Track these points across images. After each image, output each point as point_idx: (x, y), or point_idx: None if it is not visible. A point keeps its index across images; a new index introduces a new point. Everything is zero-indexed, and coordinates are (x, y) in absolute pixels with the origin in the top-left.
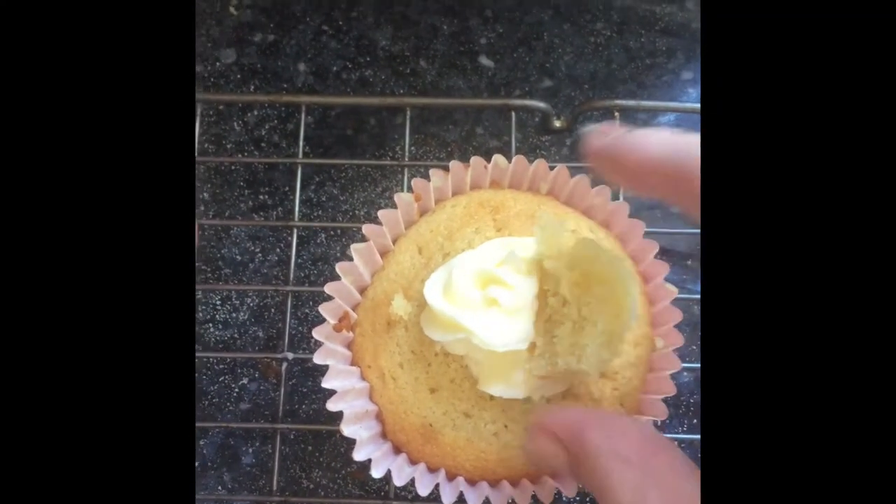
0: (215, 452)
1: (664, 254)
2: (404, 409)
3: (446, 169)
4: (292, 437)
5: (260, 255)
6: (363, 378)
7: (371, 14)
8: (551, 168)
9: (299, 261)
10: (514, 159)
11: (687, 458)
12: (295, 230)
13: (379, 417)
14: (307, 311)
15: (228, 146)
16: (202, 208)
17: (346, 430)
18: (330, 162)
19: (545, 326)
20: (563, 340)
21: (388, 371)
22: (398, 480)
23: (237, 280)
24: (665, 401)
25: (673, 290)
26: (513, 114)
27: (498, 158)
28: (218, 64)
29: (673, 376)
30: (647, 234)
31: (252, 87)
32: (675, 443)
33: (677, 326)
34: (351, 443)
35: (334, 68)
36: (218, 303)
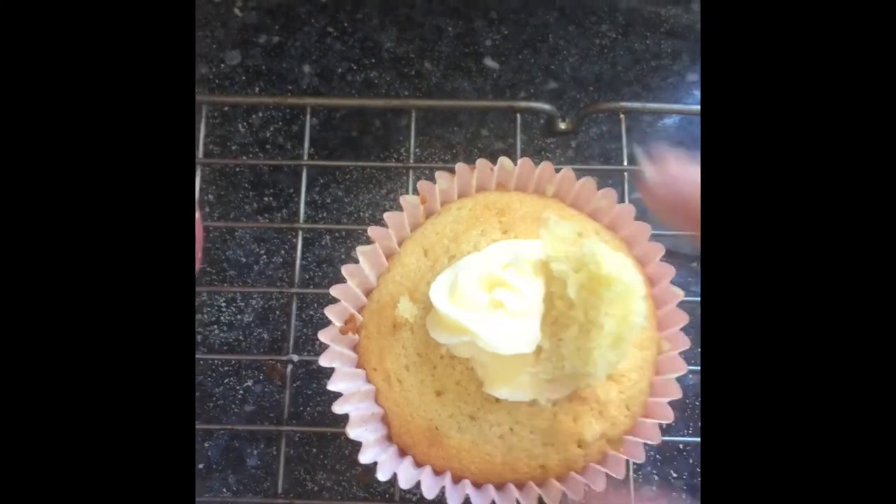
0: (220, 454)
1: (670, 256)
2: (410, 411)
3: (452, 171)
4: (297, 439)
5: (265, 257)
6: (369, 380)
7: (376, 16)
8: (557, 170)
9: (304, 263)
10: (519, 161)
11: None
12: (300, 232)
13: (384, 420)
14: (312, 313)
15: (233, 148)
16: (207, 210)
17: (352, 432)
18: (335, 164)
19: (551, 329)
20: (570, 343)
21: (393, 373)
22: (404, 483)
23: (242, 282)
24: (671, 404)
25: (679, 293)
26: (518, 116)
27: (504, 161)
28: (223, 65)
29: (678, 379)
30: (653, 237)
31: (257, 88)
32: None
33: (683, 329)
34: (355, 445)
35: (339, 70)
36: (223, 305)
